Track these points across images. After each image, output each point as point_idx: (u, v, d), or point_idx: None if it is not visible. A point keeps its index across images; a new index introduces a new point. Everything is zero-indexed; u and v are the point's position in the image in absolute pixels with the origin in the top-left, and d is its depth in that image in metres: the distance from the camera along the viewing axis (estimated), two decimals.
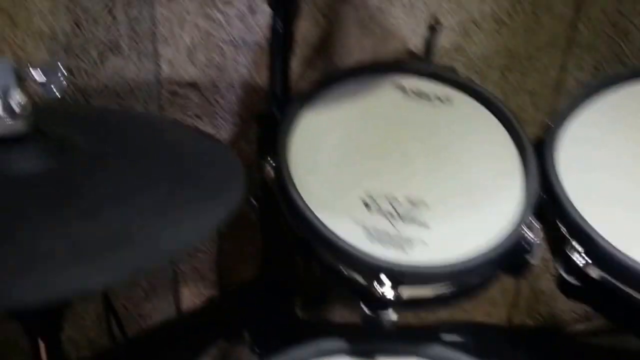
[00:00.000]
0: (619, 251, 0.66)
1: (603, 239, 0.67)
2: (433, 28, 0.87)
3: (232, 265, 1.09)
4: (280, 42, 0.81)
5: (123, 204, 0.54)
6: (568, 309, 1.24)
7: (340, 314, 1.19)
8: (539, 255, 0.72)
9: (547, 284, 1.23)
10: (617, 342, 1.05)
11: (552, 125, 0.78)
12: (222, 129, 1.03)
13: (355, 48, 1.02)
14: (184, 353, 0.83)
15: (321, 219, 0.68)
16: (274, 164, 0.72)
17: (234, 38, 0.97)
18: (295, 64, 1.00)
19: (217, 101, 1.00)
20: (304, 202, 0.69)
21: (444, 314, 1.23)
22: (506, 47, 1.07)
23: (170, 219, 0.54)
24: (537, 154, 0.76)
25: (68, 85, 0.88)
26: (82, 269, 0.48)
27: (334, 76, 0.81)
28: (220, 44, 0.97)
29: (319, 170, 0.73)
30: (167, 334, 0.84)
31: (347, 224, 0.69)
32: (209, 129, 1.01)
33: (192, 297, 1.10)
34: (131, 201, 0.55)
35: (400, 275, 0.65)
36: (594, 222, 0.69)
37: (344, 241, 0.66)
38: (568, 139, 0.77)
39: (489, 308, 1.28)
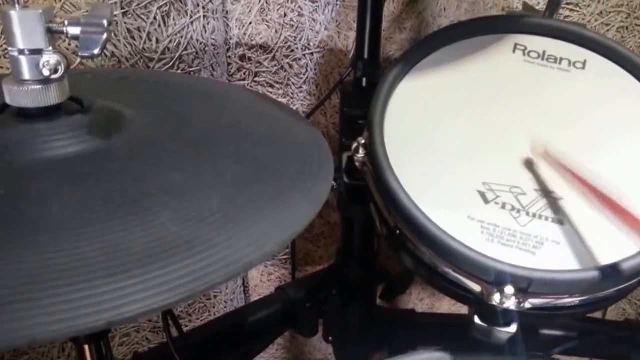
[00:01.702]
0: None
1: None
2: None
3: (303, 245, 0.94)
4: None
5: (180, 200, 0.39)
6: None
7: (417, 296, 1.03)
8: None
9: None
10: None
11: None
12: (296, 99, 0.86)
13: (451, 4, 0.83)
14: (251, 343, 0.70)
15: (425, 212, 0.50)
16: (365, 143, 0.55)
17: None
18: (385, 23, 0.83)
19: (291, 66, 0.84)
20: (404, 191, 0.51)
21: None
22: (628, 3, 0.86)
23: (240, 219, 0.38)
24: None
25: (124, 47, 0.73)
26: (118, 286, 0.33)
27: (438, 36, 0.61)
28: None
29: (421, 152, 0.55)
30: (233, 323, 0.70)
31: (458, 219, 0.51)
32: (281, 99, 0.85)
33: (260, 277, 0.96)
34: (191, 196, 0.40)
35: (526, 283, 0.48)
36: None
37: (454, 240, 0.49)
38: None
39: None
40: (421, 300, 1.04)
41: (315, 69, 0.84)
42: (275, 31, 0.81)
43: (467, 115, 0.58)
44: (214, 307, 0.92)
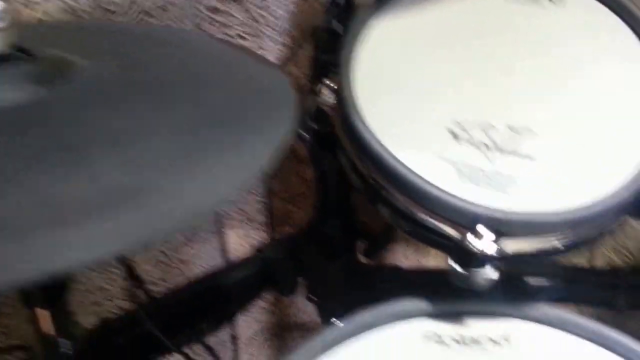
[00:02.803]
0: None
1: None
2: None
3: (281, 206, 0.92)
4: None
5: (129, 148, 0.37)
6: None
7: (408, 258, 1.02)
8: None
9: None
10: None
11: None
12: (270, 51, 0.84)
13: None
14: (229, 305, 0.68)
15: (395, 154, 0.49)
16: (334, 87, 0.53)
17: None
18: None
19: (263, 17, 0.81)
20: (372, 134, 0.49)
21: None
22: None
23: (193, 165, 0.36)
24: None
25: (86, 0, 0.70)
26: (59, 237, 0.31)
27: None
28: None
29: (392, 93, 0.53)
30: (208, 286, 0.69)
31: (429, 160, 0.49)
32: (257, 52, 0.82)
33: (239, 241, 0.95)
34: (141, 144, 0.38)
35: (502, 225, 0.46)
36: None
37: (425, 181, 0.47)
38: None
39: None
40: (407, 258, 1.03)
41: (289, 20, 0.81)
42: None
43: (439, 54, 0.56)
44: (191, 272, 0.91)
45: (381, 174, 0.49)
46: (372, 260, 0.88)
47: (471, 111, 0.52)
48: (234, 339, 1.08)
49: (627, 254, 1.08)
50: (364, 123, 0.50)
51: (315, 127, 0.54)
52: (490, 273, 0.48)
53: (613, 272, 0.80)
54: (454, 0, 0.59)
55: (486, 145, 0.50)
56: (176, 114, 0.40)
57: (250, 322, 1.07)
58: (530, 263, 0.52)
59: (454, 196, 0.47)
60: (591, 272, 0.82)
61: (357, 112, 0.50)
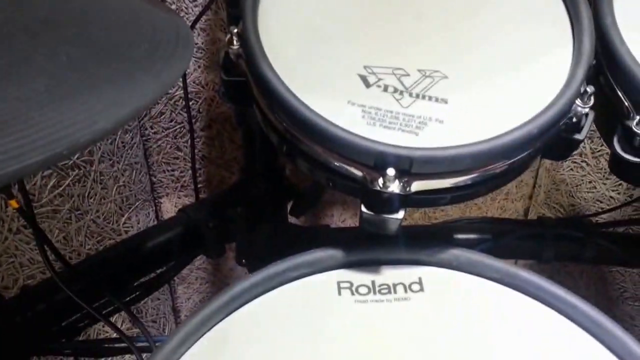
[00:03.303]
0: None
1: None
2: None
3: (214, 170, 0.90)
4: None
5: (2, 83, 0.35)
6: (592, 198, 1.07)
7: (339, 218, 1.01)
8: (587, 132, 0.52)
9: (569, 173, 1.05)
10: None
11: None
12: (193, 12, 0.81)
13: None
14: (154, 269, 0.66)
15: (304, 100, 0.47)
16: (239, 33, 0.51)
17: None
18: None
19: None
20: (277, 77, 0.48)
21: (454, 211, 1.05)
22: None
23: (69, 99, 0.34)
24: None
25: None
26: None
27: None
28: None
29: (300, 39, 0.52)
30: (129, 249, 0.66)
31: (338, 104, 0.48)
32: (174, 7, 0.80)
33: (174, 209, 0.93)
34: (16, 79, 0.35)
35: (408, 164, 0.45)
36: None
37: (331, 124, 0.46)
38: None
39: (503, 202, 1.10)
40: (343, 221, 1.03)
41: None
42: None
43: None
44: None
45: (291, 121, 0.48)
46: (303, 221, 0.87)
47: (382, 56, 0.51)
48: (175, 310, 1.06)
49: (560, 208, 1.10)
50: (271, 70, 0.48)
51: (223, 75, 0.52)
52: (398, 214, 0.47)
53: (540, 224, 0.81)
54: None
55: (397, 89, 0.49)
56: (57, 50, 0.38)
57: (191, 293, 1.06)
58: (438, 204, 0.51)
59: (361, 137, 0.46)
60: (518, 225, 0.83)
61: (264, 60, 0.49)
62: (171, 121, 0.85)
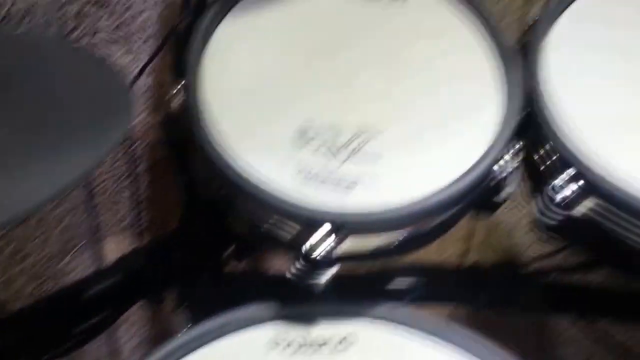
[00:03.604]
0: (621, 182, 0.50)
1: (601, 166, 0.50)
2: None
3: (158, 213, 0.90)
4: None
5: None
6: (529, 241, 1.11)
7: (281, 263, 1.02)
8: (515, 186, 0.55)
9: (508, 214, 1.09)
10: (582, 279, 0.92)
11: (538, 23, 0.58)
12: (143, 54, 0.82)
13: None
14: (91, 318, 0.65)
15: (236, 155, 0.49)
16: (182, 89, 0.52)
17: None
18: None
19: (133, 19, 0.79)
20: (212, 134, 0.49)
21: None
22: None
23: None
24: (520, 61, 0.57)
25: None
26: None
27: None
28: None
29: (240, 96, 0.53)
30: (74, 296, 0.65)
31: (272, 161, 0.49)
32: (126, 55, 0.80)
33: (117, 250, 0.92)
34: None
35: (338, 223, 0.47)
36: (591, 146, 0.52)
37: (262, 183, 0.48)
38: (557, 41, 0.58)
39: (439, 243, 1.12)
40: (285, 266, 1.03)
41: (158, 21, 0.79)
42: None
43: (289, 55, 0.57)
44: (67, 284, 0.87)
45: (223, 179, 0.49)
46: (245, 266, 0.87)
47: (320, 113, 0.53)
48: (114, 352, 1.04)
49: (498, 249, 1.13)
50: (206, 126, 0.49)
51: (168, 131, 0.53)
52: (329, 271, 0.48)
53: (474, 270, 0.83)
54: (305, 2, 0.59)
55: (332, 147, 0.51)
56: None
57: (132, 334, 1.04)
58: (372, 259, 0.52)
59: (291, 197, 0.47)
60: (453, 271, 0.85)
61: (201, 115, 0.50)
62: (116, 162, 0.85)
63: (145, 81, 0.80)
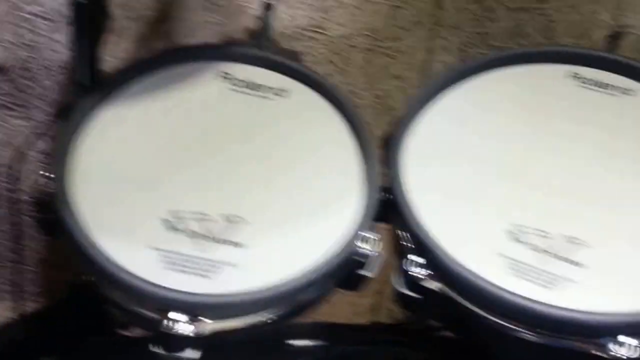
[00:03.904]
0: (460, 265, 0.53)
1: (443, 251, 0.54)
2: (269, 6, 0.69)
3: (52, 274, 0.90)
4: (82, 13, 0.62)
5: None
6: None
7: None
8: (376, 267, 0.58)
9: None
10: None
11: (402, 119, 0.62)
12: (40, 123, 0.82)
13: (198, 24, 0.84)
14: None
15: (100, 242, 0.50)
16: (52, 175, 0.54)
17: (48, 11, 0.76)
18: (126, 44, 0.81)
19: (31, 87, 0.80)
20: (77, 223, 0.51)
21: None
22: (369, 27, 0.92)
23: None
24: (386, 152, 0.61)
25: None
26: None
27: (143, 63, 0.62)
28: (32, 17, 0.76)
29: (109, 183, 0.55)
30: None
31: (138, 250, 0.51)
32: (22, 122, 0.81)
33: (9, 313, 0.90)
34: None
35: (196, 308, 0.49)
36: (437, 231, 0.55)
37: (122, 269, 0.49)
38: (420, 134, 0.62)
39: (352, 298, 1.14)
40: None
41: (56, 90, 0.81)
42: (11, 51, 0.77)
43: (163, 144, 0.59)
44: None
45: (86, 265, 0.50)
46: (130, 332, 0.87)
47: (187, 201, 0.55)
48: None
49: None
50: (72, 214, 0.51)
51: (38, 213, 0.54)
52: (191, 353, 0.50)
53: (371, 329, 0.86)
54: (182, 89, 0.62)
55: (198, 234, 0.53)
56: None
57: None
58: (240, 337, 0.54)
59: (150, 283, 0.49)
60: (351, 330, 0.88)
61: (68, 202, 0.52)
62: (8, 224, 0.84)
63: (43, 146, 0.80)
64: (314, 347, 0.81)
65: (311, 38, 0.89)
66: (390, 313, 1.14)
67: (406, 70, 0.96)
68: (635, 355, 0.51)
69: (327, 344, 0.82)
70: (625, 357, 0.50)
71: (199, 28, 0.84)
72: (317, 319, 1.09)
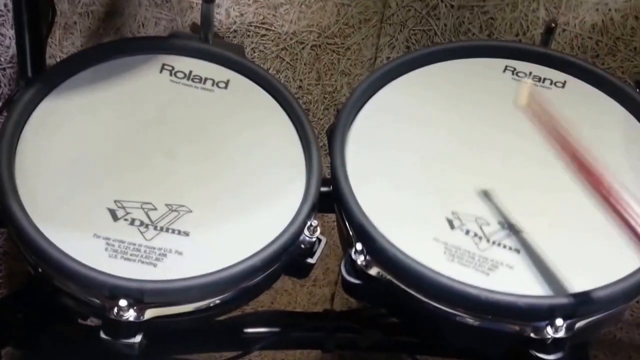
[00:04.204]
0: (399, 251, 0.55)
1: (383, 237, 0.55)
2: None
3: (16, 266, 0.89)
4: (30, 7, 0.62)
5: None
6: None
7: None
8: (319, 253, 0.59)
9: None
10: None
11: (342, 111, 0.64)
12: None
13: (148, 20, 0.84)
14: None
15: (47, 232, 0.51)
16: None
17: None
18: (76, 39, 0.81)
19: None
20: (23, 211, 0.51)
21: (264, 297, 1.10)
22: (317, 24, 0.93)
23: None
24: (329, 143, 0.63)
25: None
26: None
27: (85, 55, 0.62)
28: None
29: (55, 174, 0.55)
30: None
31: (83, 239, 0.52)
32: None
33: None
34: None
35: (139, 295, 0.50)
36: (376, 218, 0.57)
37: (68, 257, 0.50)
38: (361, 125, 0.64)
39: (311, 287, 1.17)
40: None
41: (9, 85, 0.80)
42: None
43: (104, 135, 0.59)
44: None
45: (36, 255, 0.51)
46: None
47: (133, 191, 0.56)
48: None
49: None
50: (18, 204, 0.51)
51: None
52: (134, 339, 0.50)
53: (324, 316, 0.88)
54: (123, 82, 0.62)
55: (143, 223, 0.54)
56: None
57: None
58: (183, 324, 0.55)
59: (94, 270, 0.50)
60: (304, 317, 0.89)
61: (13, 193, 0.52)
62: None
63: None
64: (269, 333, 0.82)
65: (260, 34, 0.90)
66: (347, 302, 1.17)
67: (354, 67, 0.98)
68: (565, 335, 0.53)
69: (281, 331, 0.83)
70: (557, 337, 0.52)
71: (149, 24, 0.84)
72: (277, 309, 1.11)
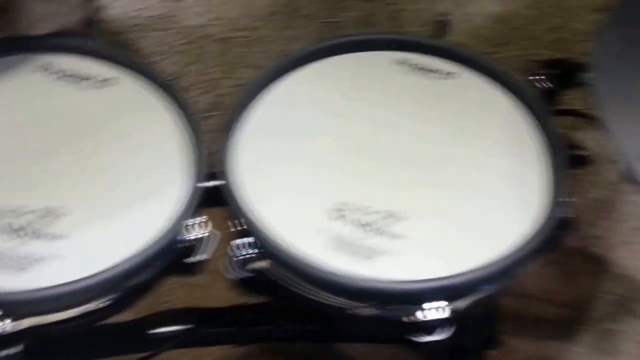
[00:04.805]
0: (281, 241, 0.55)
1: (267, 229, 0.55)
2: None
3: None
4: None
5: None
6: None
7: None
8: (211, 249, 0.58)
9: None
10: None
11: (235, 104, 0.63)
12: None
13: (39, 16, 0.80)
14: None
15: None
16: None
17: None
18: None
19: None
20: None
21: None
22: (224, 16, 0.92)
23: None
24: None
25: None
26: None
27: None
28: None
29: None
30: None
31: None
32: None
33: None
34: None
35: (7, 306, 0.48)
36: (263, 211, 0.56)
37: None
38: (253, 119, 0.63)
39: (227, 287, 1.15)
40: None
41: None
42: None
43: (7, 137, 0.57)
44: None
45: None
46: None
47: (5, 195, 0.54)
48: None
49: None
50: None
51: None
52: (14, 350, 0.48)
53: (235, 311, 0.86)
54: (1, 84, 0.59)
55: (13, 228, 0.52)
56: None
57: None
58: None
59: None
60: (216, 313, 0.88)
61: None
62: None
63: None
64: (179, 331, 0.81)
65: (164, 28, 0.88)
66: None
67: (262, 59, 0.97)
68: (446, 315, 0.54)
69: (192, 327, 0.81)
70: (430, 320, 0.53)
71: (40, 20, 0.81)
72: (191, 305, 1.09)
